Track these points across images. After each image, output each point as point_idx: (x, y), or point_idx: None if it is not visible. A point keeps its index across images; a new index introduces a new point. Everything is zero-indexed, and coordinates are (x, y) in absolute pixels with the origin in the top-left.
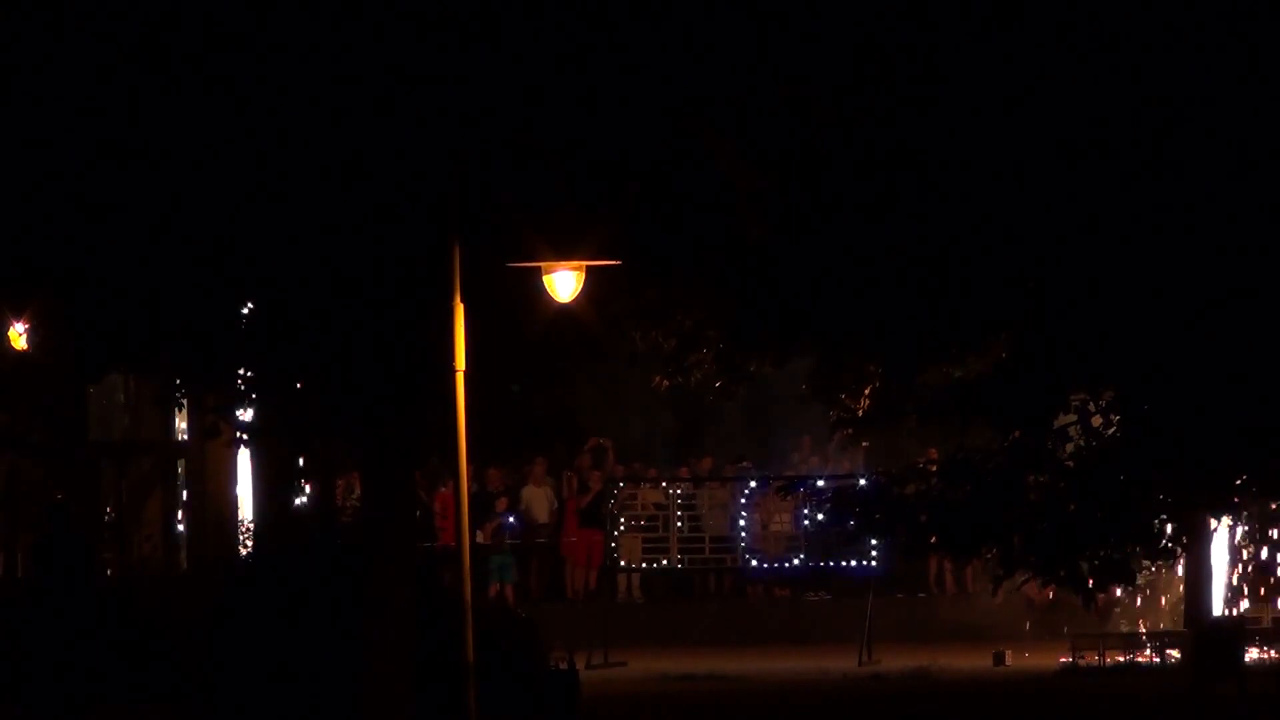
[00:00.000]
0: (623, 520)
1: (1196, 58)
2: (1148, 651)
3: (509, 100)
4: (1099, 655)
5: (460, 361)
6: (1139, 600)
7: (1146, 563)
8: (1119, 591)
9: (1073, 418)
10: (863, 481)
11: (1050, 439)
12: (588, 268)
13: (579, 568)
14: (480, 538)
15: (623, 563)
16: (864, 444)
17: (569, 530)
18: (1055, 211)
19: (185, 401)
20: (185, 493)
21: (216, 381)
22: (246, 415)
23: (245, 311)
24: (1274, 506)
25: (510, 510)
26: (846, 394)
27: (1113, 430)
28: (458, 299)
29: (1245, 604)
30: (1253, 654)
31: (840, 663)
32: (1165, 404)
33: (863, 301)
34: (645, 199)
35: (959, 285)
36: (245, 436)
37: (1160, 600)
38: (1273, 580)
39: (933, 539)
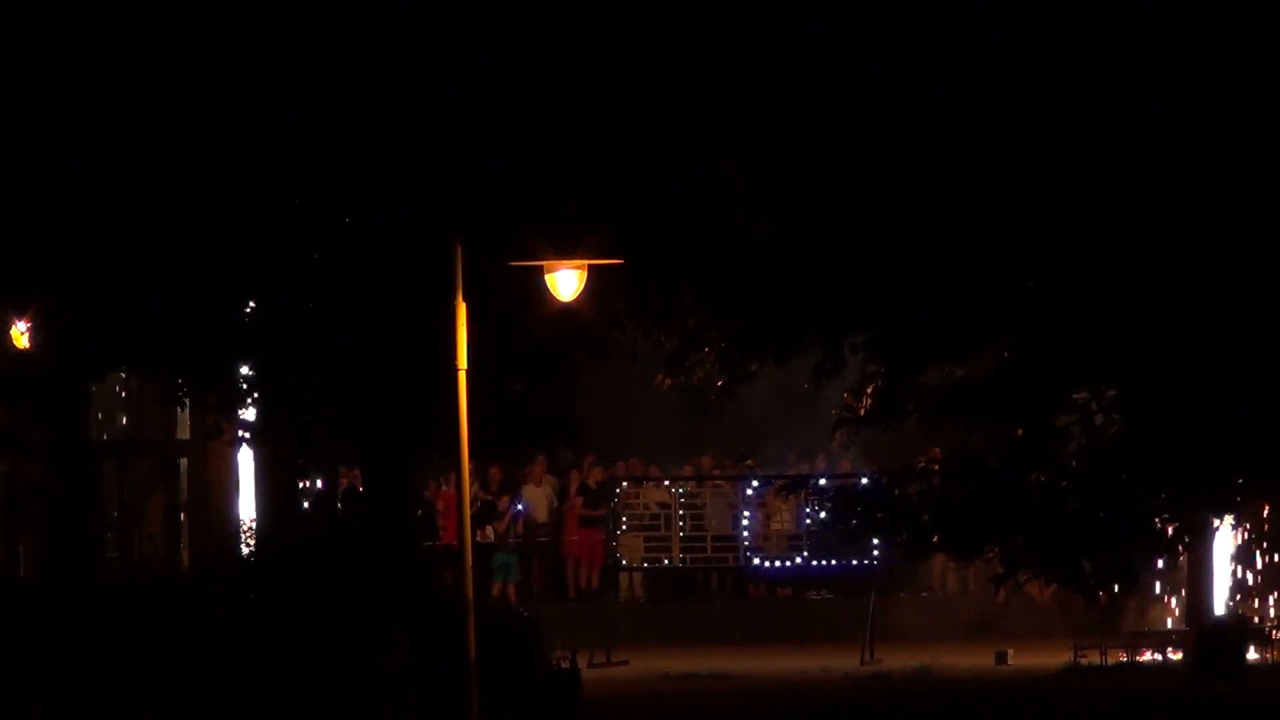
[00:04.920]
0: (625, 519)
1: (1196, 58)
2: (1150, 651)
3: (510, 100)
4: (1101, 654)
5: (462, 360)
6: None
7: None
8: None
9: (1074, 417)
10: (865, 480)
11: (1052, 438)
12: (589, 267)
13: (581, 567)
14: (481, 536)
15: (625, 562)
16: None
17: (570, 529)
18: (1056, 211)
19: (187, 401)
20: (187, 492)
21: (218, 380)
22: (248, 414)
23: (247, 311)
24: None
25: (516, 498)
26: (848, 393)
27: (1114, 429)
28: (459, 298)
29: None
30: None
31: (842, 662)
32: (1166, 403)
33: (864, 301)
34: (646, 198)
35: (960, 285)
36: (247, 435)
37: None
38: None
39: (935, 538)
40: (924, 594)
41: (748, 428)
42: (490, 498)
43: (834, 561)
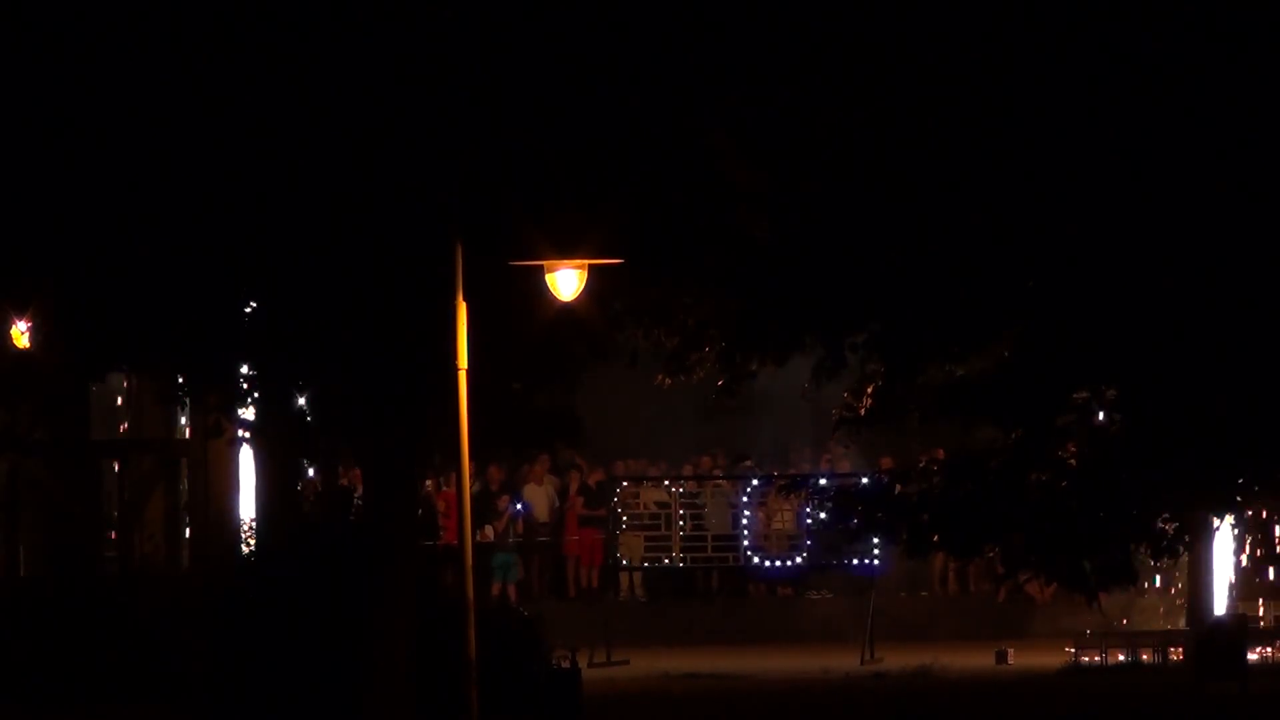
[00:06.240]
0: (625, 519)
1: (1196, 59)
2: (1150, 651)
3: (510, 100)
4: (1101, 654)
5: (462, 360)
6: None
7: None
8: None
9: (1074, 417)
10: (865, 480)
11: (1052, 438)
12: (589, 266)
13: (581, 567)
14: (481, 536)
15: (625, 561)
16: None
17: (570, 529)
18: (1056, 211)
19: (187, 400)
20: (187, 492)
21: (218, 379)
22: (249, 414)
23: (247, 310)
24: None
25: (516, 498)
26: (848, 393)
27: (1114, 429)
28: (460, 297)
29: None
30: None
31: (842, 661)
32: (1167, 404)
33: (864, 301)
34: (646, 198)
35: (960, 284)
36: (247, 435)
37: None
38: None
39: (935, 538)
40: (924, 594)
41: (748, 427)
42: (494, 512)
43: (834, 561)
